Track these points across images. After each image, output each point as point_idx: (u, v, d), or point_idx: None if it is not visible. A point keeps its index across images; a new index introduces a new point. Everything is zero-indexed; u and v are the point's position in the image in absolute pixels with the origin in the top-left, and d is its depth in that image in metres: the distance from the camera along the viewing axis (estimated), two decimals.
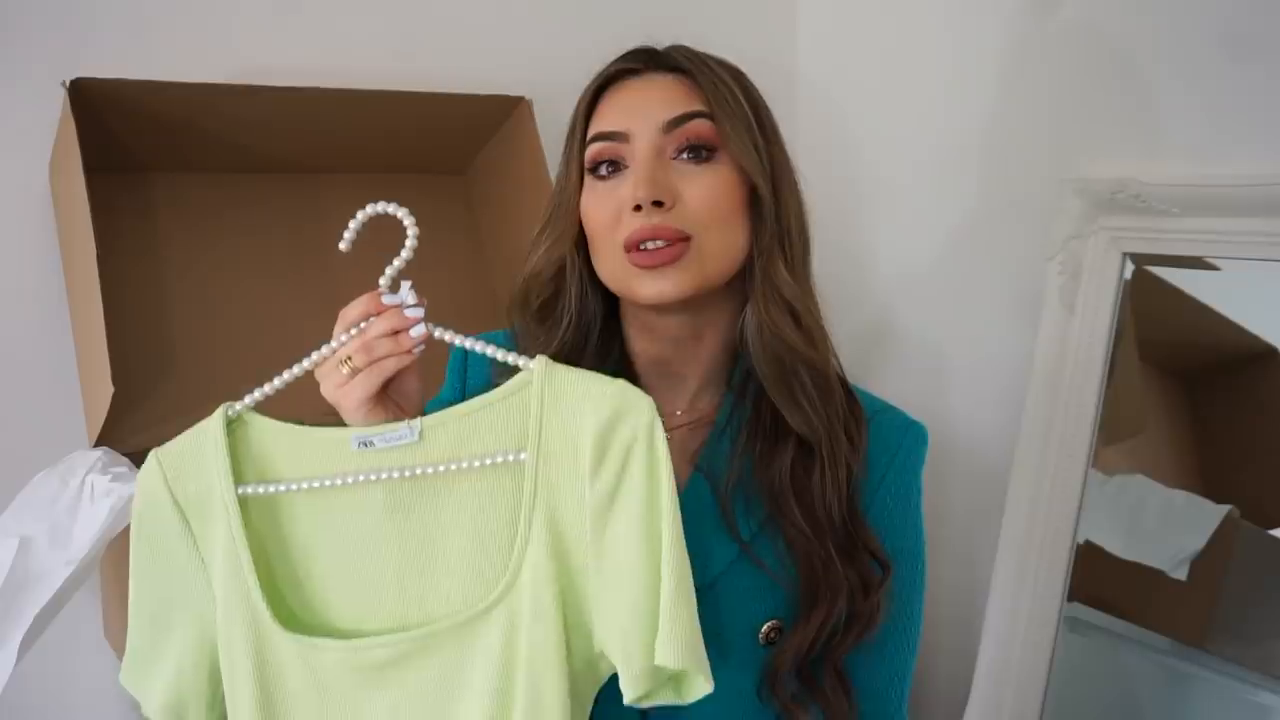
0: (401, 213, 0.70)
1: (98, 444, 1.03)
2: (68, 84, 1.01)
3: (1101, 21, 1.24)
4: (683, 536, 0.68)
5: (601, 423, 0.68)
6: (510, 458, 0.70)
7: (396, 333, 0.71)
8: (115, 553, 1.03)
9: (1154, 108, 1.19)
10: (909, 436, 0.86)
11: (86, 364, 1.07)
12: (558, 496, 0.69)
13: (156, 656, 0.73)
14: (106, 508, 0.95)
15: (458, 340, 0.73)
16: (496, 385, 0.72)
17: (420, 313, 0.71)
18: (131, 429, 1.04)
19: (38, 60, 1.10)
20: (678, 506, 0.68)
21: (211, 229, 1.22)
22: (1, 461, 1.04)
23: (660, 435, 0.68)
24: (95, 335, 0.99)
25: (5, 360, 1.13)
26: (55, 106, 1.02)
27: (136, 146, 1.15)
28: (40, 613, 0.92)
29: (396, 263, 0.71)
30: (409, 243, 0.70)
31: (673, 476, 0.68)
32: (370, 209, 0.70)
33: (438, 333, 0.72)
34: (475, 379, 0.89)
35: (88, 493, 0.97)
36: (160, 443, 0.74)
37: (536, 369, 0.70)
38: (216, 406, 0.73)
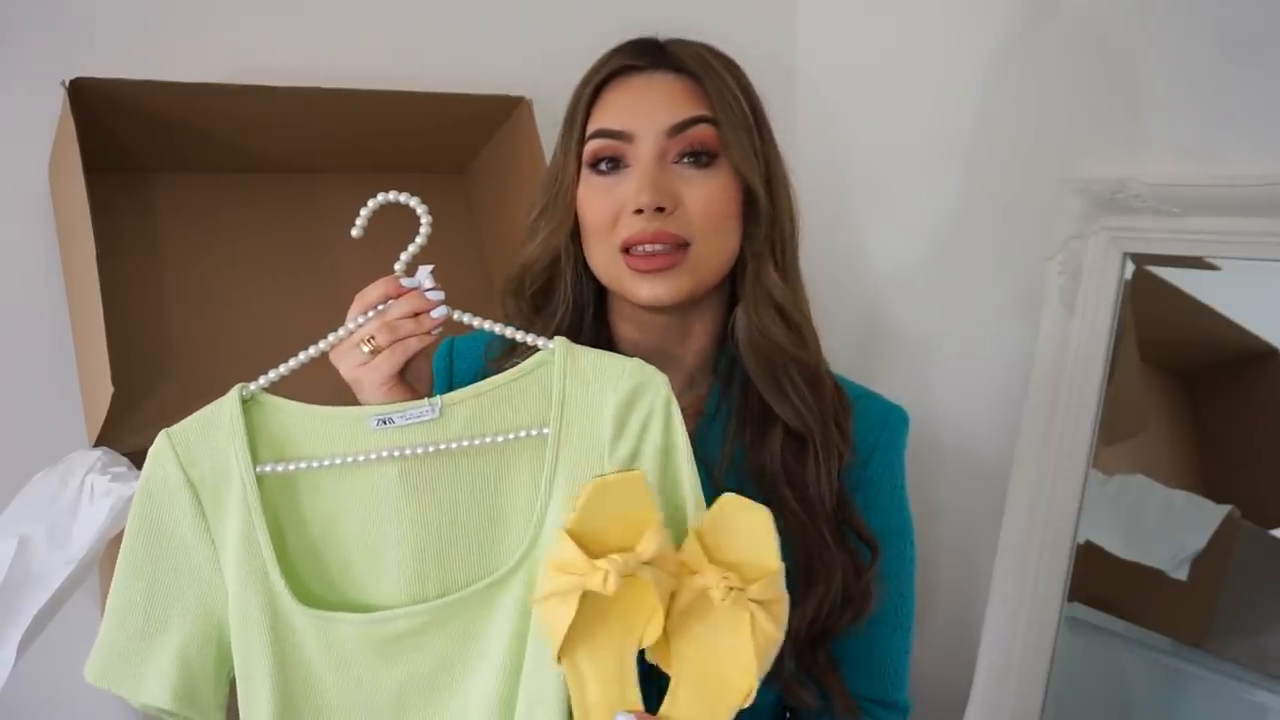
0: (414, 201, 0.72)
1: (97, 444, 1.03)
2: (67, 84, 1.01)
3: (1101, 21, 1.24)
4: (703, 498, 0.71)
5: (622, 398, 0.71)
6: (533, 432, 0.72)
7: (417, 314, 0.72)
8: (115, 552, 1.02)
9: (1154, 108, 1.19)
10: (891, 419, 0.88)
11: (86, 364, 1.07)
12: (577, 467, 0.72)
13: (148, 646, 0.73)
14: (106, 508, 0.95)
15: (476, 322, 0.74)
16: (491, 374, 0.74)
17: (441, 295, 0.73)
18: (131, 429, 1.04)
19: (38, 60, 1.10)
20: (696, 472, 0.71)
21: (211, 229, 1.22)
22: (1, 461, 1.04)
23: (675, 407, 0.72)
24: (95, 335, 0.99)
25: (5, 360, 1.13)
26: (55, 106, 1.02)
27: (136, 146, 1.15)
28: (39, 612, 0.92)
29: (411, 248, 0.73)
30: (423, 229, 0.72)
31: (689, 445, 0.71)
32: (381, 197, 0.72)
33: (457, 315, 0.74)
34: (462, 371, 0.90)
35: (87, 493, 0.97)
36: None
37: (558, 348, 0.73)
38: None
